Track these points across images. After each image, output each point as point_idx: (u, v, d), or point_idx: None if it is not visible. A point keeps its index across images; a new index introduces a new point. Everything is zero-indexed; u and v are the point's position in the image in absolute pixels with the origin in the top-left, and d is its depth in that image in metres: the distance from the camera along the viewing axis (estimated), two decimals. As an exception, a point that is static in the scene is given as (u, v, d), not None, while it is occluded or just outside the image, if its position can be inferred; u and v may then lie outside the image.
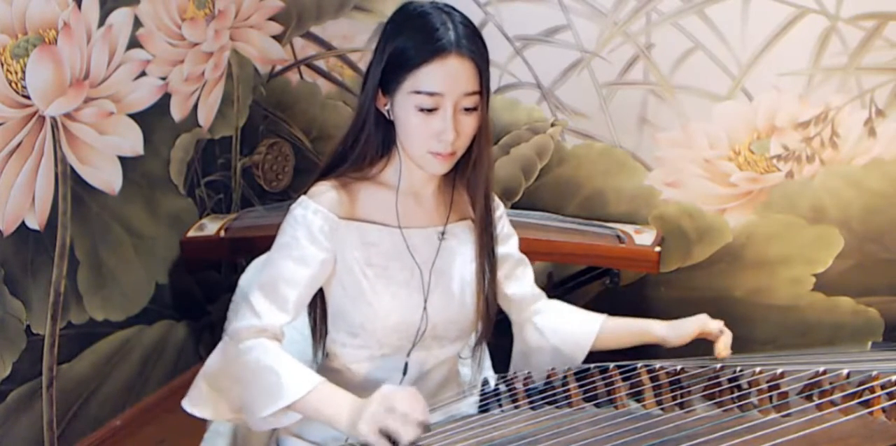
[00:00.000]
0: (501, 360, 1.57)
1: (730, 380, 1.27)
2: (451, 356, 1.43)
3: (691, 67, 2.31)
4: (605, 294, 2.53)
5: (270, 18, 2.65)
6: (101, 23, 2.04)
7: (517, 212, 2.42)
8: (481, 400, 1.36)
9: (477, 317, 1.37)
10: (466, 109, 1.22)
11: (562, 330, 1.46)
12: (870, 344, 2.38)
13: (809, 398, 1.20)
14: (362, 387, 1.32)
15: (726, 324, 1.44)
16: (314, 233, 1.26)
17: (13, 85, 1.82)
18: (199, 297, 2.59)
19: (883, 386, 1.17)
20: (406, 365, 1.36)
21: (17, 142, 1.85)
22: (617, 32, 2.35)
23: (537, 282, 1.53)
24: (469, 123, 1.23)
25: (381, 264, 1.31)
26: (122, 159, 2.18)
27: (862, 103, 2.22)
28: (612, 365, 1.33)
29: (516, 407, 1.27)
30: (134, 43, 2.16)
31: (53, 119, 1.94)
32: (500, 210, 1.44)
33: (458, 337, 1.40)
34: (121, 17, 2.10)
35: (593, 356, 1.47)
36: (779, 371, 1.25)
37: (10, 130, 1.83)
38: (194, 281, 2.56)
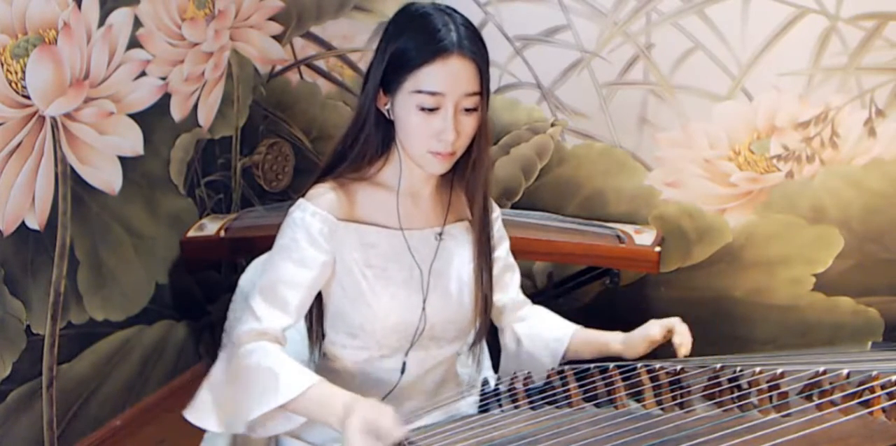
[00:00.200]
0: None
1: (730, 380, 1.27)
2: (450, 356, 1.44)
3: (691, 67, 2.31)
4: (605, 294, 2.54)
5: (270, 18, 2.65)
6: (101, 23, 2.04)
7: (517, 212, 2.42)
8: (481, 400, 1.36)
9: (475, 316, 1.38)
10: (467, 110, 1.23)
11: (538, 338, 1.48)
12: (870, 344, 2.38)
13: (809, 398, 1.20)
14: (361, 388, 1.32)
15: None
16: (314, 236, 1.26)
17: (13, 85, 1.82)
18: (199, 297, 2.59)
19: (883, 386, 1.17)
20: (404, 364, 1.36)
21: (17, 142, 1.85)
22: (617, 32, 2.35)
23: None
24: (469, 123, 1.24)
25: (380, 265, 1.31)
26: (122, 159, 2.18)
27: (862, 103, 2.22)
28: (612, 365, 1.34)
29: (516, 407, 1.27)
30: (134, 43, 2.16)
31: (53, 119, 1.94)
32: (496, 212, 1.45)
33: (455, 337, 1.40)
34: (121, 17, 2.10)
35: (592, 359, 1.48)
36: (779, 371, 1.25)
37: (10, 130, 1.83)
38: (194, 281, 2.56)
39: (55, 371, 2.06)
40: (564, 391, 1.29)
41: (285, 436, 1.39)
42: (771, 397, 1.21)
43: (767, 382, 1.24)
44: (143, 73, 2.20)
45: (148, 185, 2.29)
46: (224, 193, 2.67)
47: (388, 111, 1.26)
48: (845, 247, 2.34)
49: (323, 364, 1.40)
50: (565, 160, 2.50)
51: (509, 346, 1.52)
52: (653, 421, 1.15)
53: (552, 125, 2.49)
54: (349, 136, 1.31)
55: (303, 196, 1.30)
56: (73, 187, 2.03)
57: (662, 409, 1.22)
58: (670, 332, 1.37)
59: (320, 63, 2.67)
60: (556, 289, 2.50)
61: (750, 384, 1.24)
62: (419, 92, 1.20)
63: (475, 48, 1.22)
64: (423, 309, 1.33)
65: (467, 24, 1.24)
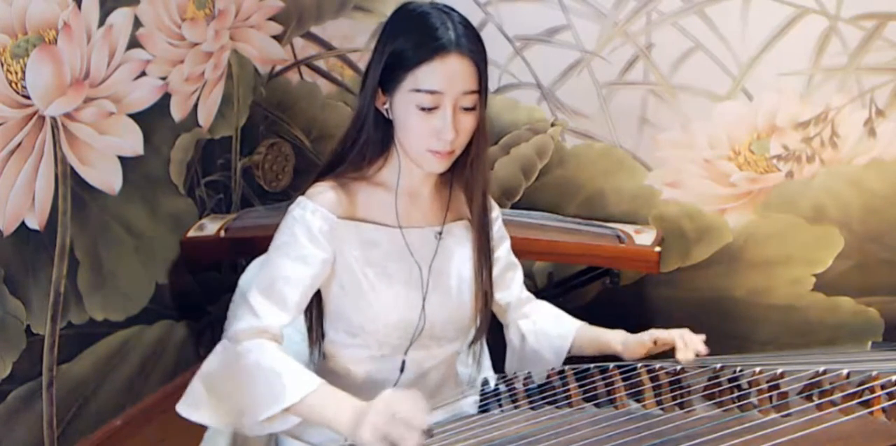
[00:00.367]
0: (502, 360, 1.58)
1: (730, 380, 1.27)
2: (449, 355, 1.44)
3: (691, 67, 2.31)
4: (605, 294, 2.53)
5: (270, 18, 2.65)
6: (101, 23, 2.04)
7: (517, 212, 2.42)
8: (481, 400, 1.36)
9: (474, 315, 1.38)
10: (465, 108, 1.23)
11: (542, 334, 1.50)
12: (870, 344, 2.38)
13: (809, 398, 1.20)
14: (361, 388, 1.32)
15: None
16: (314, 233, 1.26)
17: (13, 85, 1.82)
18: (199, 297, 2.59)
19: (883, 386, 1.17)
20: (403, 363, 1.36)
21: (17, 142, 1.85)
22: (617, 32, 2.35)
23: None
24: (468, 122, 1.24)
25: (380, 264, 1.31)
26: (122, 159, 2.18)
27: (862, 103, 2.22)
28: (612, 365, 1.34)
29: (516, 407, 1.27)
30: (134, 43, 2.16)
31: (53, 119, 1.94)
32: (496, 212, 1.45)
33: (455, 336, 1.40)
34: (121, 17, 2.10)
35: (593, 356, 1.48)
36: (779, 371, 1.25)
37: (10, 130, 1.83)
38: (194, 281, 2.56)
39: (55, 371, 2.05)
40: (564, 391, 1.29)
41: (285, 436, 1.39)
42: (771, 397, 1.21)
43: (767, 382, 1.24)
44: (143, 73, 2.20)
45: (148, 185, 2.29)
46: (224, 193, 2.67)
47: (386, 111, 1.26)
48: (845, 247, 2.34)
49: (323, 364, 1.40)
50: (565, 160, 2.50)
51: (514, 343, 1.54)
52: (653, 421, 1.15)
53: (552, 125, 2.49)
54: (349, 137, 1.31)
55: (302, 194, 1.30)
56: (73, 187, 2.03)
57: (662, 409, 1.22)
58: (664, 344, 1.37)
59: (320, 63, 2.67)
60: (556, 288, 2.50)
61: (750, 384, 1.24)
62: (417, 91, 1.20)
63: (473, 47, 1.22)
64: (423, 307, 1.33)
65: (465, 22, 1.24)
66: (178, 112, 2.38)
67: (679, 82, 2.34)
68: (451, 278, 1.36)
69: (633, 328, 1.50)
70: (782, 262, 2.40)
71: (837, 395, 1.18)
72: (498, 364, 1.59)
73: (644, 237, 2.30)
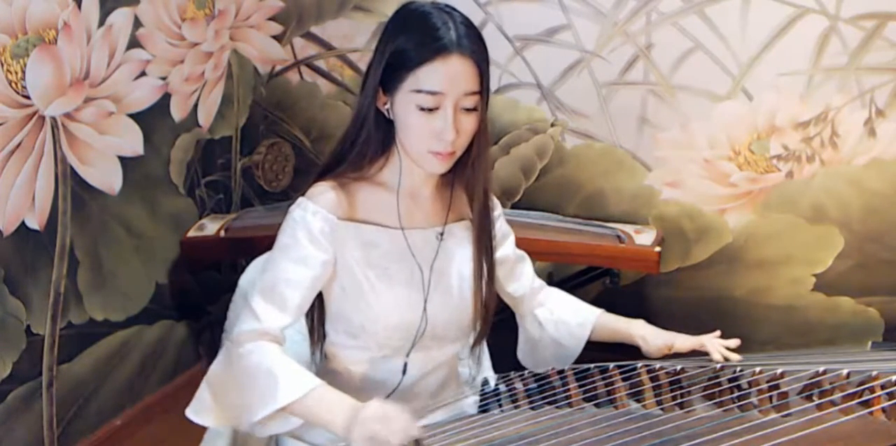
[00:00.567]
0: (501, 360, 1.58)
1: (730, 380, 1.27)
2: (451, 357, 1.43)
3: (691, 67, 2.31)
4: (605, 294, 2.53)
5: (270, 18, 2.65)
6: (101, 23, 2.04)
7: (517, 212, 2.42)
8: (481, 400, 1.37)
9: (476, 316, 1.38)
10: (466, 109, 1.22)
11: (561, 323, 1.51)
12: (870, 344, 2.38)
13: (809, 398, 1.20)
14: (362, 389, 1.32)
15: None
16: (314, 235, 1.26)
17: (13, 85, 1.82)
18: (199, 297, 2.59)
19: (883, 386, 1.17)
20: (405, 365, 1.36)
21: (17, 142, 1.85)
22: (617, 32, 2.35)
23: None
24: (469, 123, 1.23)
25: (381, 265, 1.30)
26: (122, 159, 2.18)
27: (862, 103, 2.22)
28: (612, 365, 1.34)
29: (516, 407, 1.27)
30: (134, 43, 2.16)
31: (53, 119, 1.94)
32: (498, 209, 1.44)
33: (456, 337, 1.40)
34: (121, 17, 2.10)
35: (593, 356, 1.48)
36: (779, 371, 1.25)
37: (10, 130, 1.83)
38: (194, 281, 2.56)
39: (55, 371, 2.05)
40: (564, 391, 1.29)
41: (285, 436, 1.39)
42: (771, 397, 1.21)
43: (767, 382, 1.24)
44: (143, 73, 2.20)
45: (148, 185, 2.29)
46: (224, 193, 2.67)
47: (387, 111, 1.26)
48: (845, 247, 2.34)
49: (324, 365, 1.40)
50: (565, 160, 2.51)
51: (532, 333, 1.54)
52: (653, 421, 1.15)
53: (552, 125, 2.49)
54: (349, 137, 1.31)
55: (303, 194, 1.30)
56: (73, 187, 2.03)
57: (662, 409, 1.22)
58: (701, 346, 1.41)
59: (320, 63, 2.67)
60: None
61: (750, 384, 1.24)
62: (418, 91, 1.20)
63: (475, 47, 1.21)
64: (425, 309, 1.33)
65: (467, 22, 1.23)
66: (178, 112, 2.38)
67: (679, 82, 2.34)
68: (453, 279, 1.36)
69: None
70: (782, 262, 2.40)
71: (837, 395, 1.18)
72: (498, 364, 1.59)
73: (644, 237, 2.30)
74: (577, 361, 1.48)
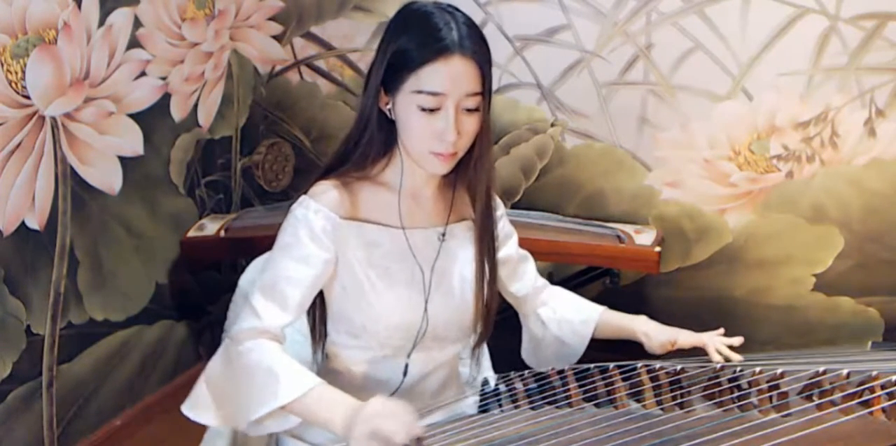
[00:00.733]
0: (501, 360, 1.58)
1: (730, 380, 1.27)
2: (452, 357, 1.43)
3: (691, 67, 2.31)
4: (605, 294, 2.53)
5: (270, 18, 2.65)
6: (101, 23, 2.04)
7: (517, 212, 2.42)
8: (481, 401, 1.37)
9: (477, 317, 1.38)
10: (468, 110, 1.22)
11: (564, 322, 1.51)
12: (870, 344, 2.38)
13: (809, 398, 1.20)
14: (363, 389, 1.32)
15: (726, 324, 1.46)
16: (316, 233, 1.26)
17: (13, 85, 1.82)
18: (199, 297, 2.59)
19: (883, 386, 1.17)
20: (406, 366, 1.36)
21: (17, 142, 1.85)
22: (617, 32, 2.35)
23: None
24: (471, 123, 1.23)
25: (382, 265, 1.30)
26: (122, 159, 2.18)
27: (862, 103, 2.22)
28: (612, 365, 1.34)
29: (516, 407, 1.27)
30: (134, 43, 2.16)
31: (53, 119, 1.94)
32: (501, 209, 1.44)
33: (457, 338, 1.40)
34: (121, 17, 2.10)
35: (593, 356, 1.48)
36: (779, 371, 1.25)
37: (10, 130, 1.83)
38: (194, 281, 2.56)
39: (55, 371, 2.05)
40: (564, 391, 1.29)
41: (285, 436, 1.39)
42: (771, 397, 1.21)
43: (767, 382, 1.24)
44: (143, 73, 2.20)
45: (148, 185, 2.29)
46: (224, 193, 2.67)
47: (389, 111, 1.25)
48: (845, 247, 2.34)
49: (326, 364, 1.40)
50: (565, 160, 2.51)
51: (535, 332, 1.54)
52: (653, 421, 1.15)
53: (552, 125, 2.49)
54: (352, 137, 1.30)
55: (305, 193, 1.30)
56: (73, 187, 2.03)
57: (662, 409, 1.22)
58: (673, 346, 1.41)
59: (320, 63, 2.67)
60: (556, 289, 2.50)
61: (750, 384, 1.24)
62: (420, 92, 1.19)
63: (477, 48, 1.21)
64: (426, 309, 1.33)
65: (469, 22, 1.23)
66: (178, 112, 2.38)
67: (679, 82, 2.34)
68: (454, 279, 1.35)
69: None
70: (782, 262, 2.40)
71: (837, 395, 1.19)
72: (498, 364, 1.59)
73: (644, 237, 2.30)
74: (578, 361, 1.48)
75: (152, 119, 2.26)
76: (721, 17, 2.25)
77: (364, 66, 2.61)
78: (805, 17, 2.19)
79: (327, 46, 2.64)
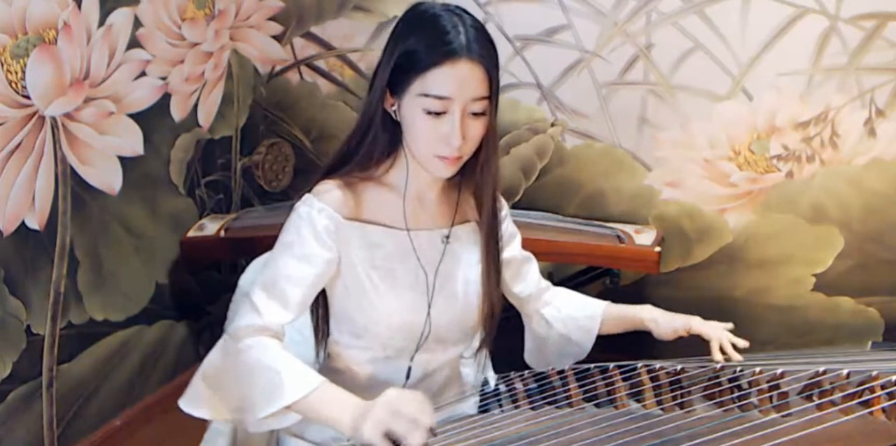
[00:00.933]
0: (503, 360, 1.58)
1: (730, 380, 1.27)
2: (454, 358, 1.43)
3: (691, 67, 2.31)
4: (605, 294, 2.52)
5: (270, 18, 2.65)
6: (101, 23, 2.04)
7: (517, 212, 2.42)
8: (481, 401, 1.36)
9: (480, 319, 1.37)
10: (474, 114, 1.20)
11: (569, 319, 1.51)
12: (870, 344, 2.38)
13: (809, 398, 1.20)
14: (365, 388, 1.32)
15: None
16: (319, 232, 1.25)
17: (13, 85, 1.82)
18: (199, 297, 2.59)
19: (883, 386, 1.17)
20: (409, 369, 1.36)
21: (17, 142, 1.85)
22: (617, 32, 2.35)
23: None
24: (477, 128, 1.22)
25: (385, 266, 1.30)
26: (122, 159, 2.18)
27: (862, 103, 2.23)
28: (612, 365, 1.34)
29: (516, 408, 1.27)
30: (134, 43, 2.16)
31: (53, 119, 1.94)
32: (505, 210, 1.44)
33: (460, 339, 1.39)
34: (121, 17, 2.10)
35: (594, 356, 1.48)
36: (779, 371, 1.25)
37: (10, 130, 1.83)
38: (194, 281, 2.56)
39: (55, 371, 2.05)
40: (565, 391, 1.29)
41: (286, 434, 1.39)
42: (771, 397, 1.21)
43: (767, 382, 1.24)
44: (143, 73, 2.20)
45: (148, 185, 2.29)
46: (224, 193, 2.67)
47: (394, 112, 1.24)
48: (845, 247, 2.34)
49: (327, 363, 1.40)
50: (565, 160, 2.51)
51: (540, 332, 1.54)
52: (653, 421, 1.15)
53: (552, 125, 2.49)
54: (356, 136, 1.29)
55: (309, 191, 1.29)
56: (73, 187, 2.03)
57: (662, 409, 1.22)
58: (717, 337, 1.43)
59: (320, 63, 2.67)
60: (556, 289, 2.50)
61: (750, 384, 1.24)
62: (426, 95, 1.18)
63: (484, 52, 1.19)
64: (429, 312, 1.32)
65: (477, 25, 1.21)
66: (178, 112, 2.38)
67: (679, 82, 2.34)
68: (458, 282, 1.35)
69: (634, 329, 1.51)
70: (782, 262, 2.40)
71: (837, 395, 1.19)
72: (498, 364, 1.59)
73: (644, 237, 2.30)
74: (578, 361, 1.48)
75: (152, 119, 2.26)
76: (721, 17, 2.25)
77: (364, 65, 2.61)
78: (805, 17, 2.19)
79: (327, 46, 2.64)
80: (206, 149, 2.54)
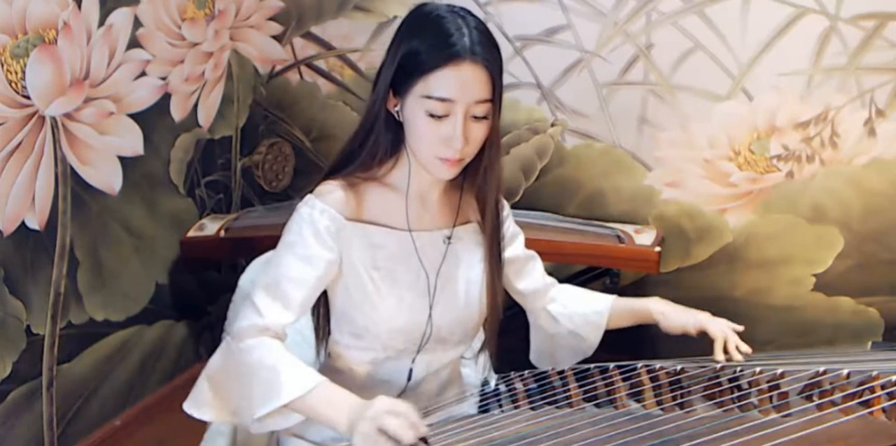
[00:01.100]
0: (501, 360, 1.58)
1: (730, 380, 1.27)
2: (455, 358, 1.43)
3: (691, 67, 2.31)
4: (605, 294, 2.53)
5: (270, 18, 2.65)
6: (101, 23, 2.04)
7: (517, 212, 2.40)
8: (481, 401, 1.36)
9: (481, 320, 1.37)
10: (477, 117, 1.20)
11: (576, 315, 1.51)
12: (870, 344, 2.38)
13: (809, 398, 1.20)
14: (366, 389, 1.32)
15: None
16: (320, 233, 1.25)
17: (13, 85, 1.82)
18: (199, 297, 2.59)
19: (883, 386, 1.17)
20: (410, 371, 1.36)
21: (17, 142, 1.85)
22: (617, 32, 2.35)
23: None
24: (479, 130, 1.21)
25: (387, 267, 1.30)
26: (122, 159, 2.18)
27: (862, 103, 2.22)
28: (612, 365, 1.34)
29: (516, 408, 1.27)
30: (134, 43, 2.16)
31: (53, 119, 1.94)
32: (507, 210, 1.44)
33: (461, 340, 1.39)
34: (121, 17, 2.10)
35: (594, 356, 1.48)
36: (779, 371, 1.25)
37: (10, 130, 1.83)
38: (194, 281, 2.56)
39: (55, 371, 2.06)
40: (564, 391, 1.29)
41: (286, 435, 1.39)
42: (771, 397, 1.21)
43: (767, 382, 1.24)
44: (143, 73, 2.20)
45: (148, 185, 2.29)
46: (224, 193, 2.67)
47: (397, 113, 1.24)
48: (845, 247, 2.33)
49: (328, 363, 1.40)
50: (565, 160, 2.50)
51: (546, 329, 1.53)
52: (653, 421, 1.15)
53: (552, 125, 2.49)
54: (358, 137, 1.29)
55: (311, 192, 1.29)
56: (73, 187, 2.03)
57: (662, 409, 1.22)
58: (723, 335, 1.41)
59: (320, 63, 2.67)
60: (556, 289, 2.50)
61: (750, 384, 1.24)
62: (428, 97, 1.17)
63: (488, 54, 1.18)
64: (430, 314, 1.32)
65: (481, 27, 1.20)
66: (178, 112, 2.38)
67: (679, 82, 2.34)
68: (459, 283, 1.35)
69: (634, 329, 1.51)
70: (782, 262, 2.40)
71: (837, 395, 1.19)
72: (500, 364, 1.59)
73: (644, 237, 2.30)
74: (578, 361, 1.48)
75: (152, 119, 2.26)
76: (721, 17, 2.25)
77: (364, 66, 2.61)
78: (805, 17, 2.19)
79: (327, 46, 2.64)
80: (206, 149, 2.54)
